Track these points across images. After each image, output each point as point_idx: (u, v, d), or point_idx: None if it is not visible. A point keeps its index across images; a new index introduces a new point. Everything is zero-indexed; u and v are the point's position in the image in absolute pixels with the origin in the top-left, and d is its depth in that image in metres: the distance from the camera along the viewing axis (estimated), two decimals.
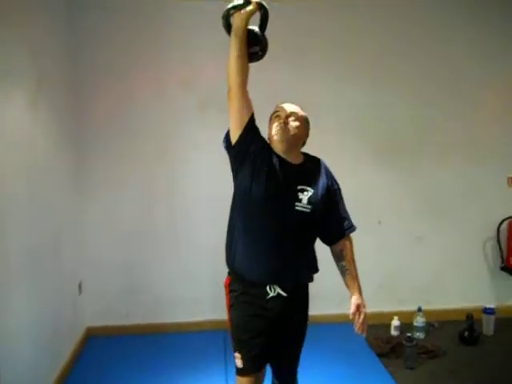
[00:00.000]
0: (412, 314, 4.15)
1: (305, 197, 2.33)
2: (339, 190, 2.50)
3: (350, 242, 2.50)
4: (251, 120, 2.29)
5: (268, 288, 2.31)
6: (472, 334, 3.96)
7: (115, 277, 4.20)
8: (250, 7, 2.22)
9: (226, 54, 3.71)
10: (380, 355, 3.76)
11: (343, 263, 2.46)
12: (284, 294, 2.32)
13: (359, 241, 4.13)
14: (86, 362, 3.77)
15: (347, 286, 2.47)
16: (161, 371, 3.63)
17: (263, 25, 2.37)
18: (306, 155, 2.48)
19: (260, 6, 2.27)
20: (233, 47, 2.26)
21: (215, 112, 3.95)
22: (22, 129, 2.97)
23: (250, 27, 2.31)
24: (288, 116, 2.36)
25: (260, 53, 2.38)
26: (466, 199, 4.41)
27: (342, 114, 4.24)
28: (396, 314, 4.20)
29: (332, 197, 2.44)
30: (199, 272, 4.25)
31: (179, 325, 4.25)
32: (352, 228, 2.49)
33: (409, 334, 3.68)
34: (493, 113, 4.40)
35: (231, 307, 2.42)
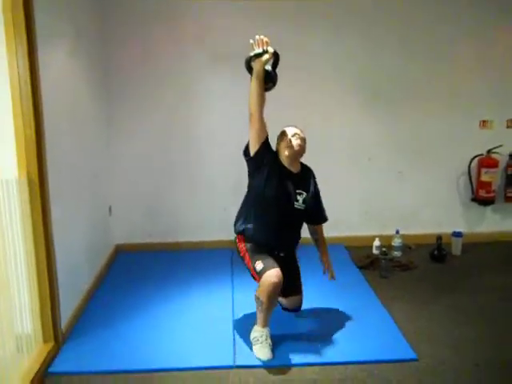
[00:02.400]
0: (392, 238, 4.79)
1: (301, 198, 3.30)
2: (319, 191, 3.50)
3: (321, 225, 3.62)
4: (266, 139, 3.16)
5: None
6: (441, 252, 4.60)
7: (139, 202, 4.83)
8: (267, 56, 3.00)
9: (233, 16, 4.46)
10: (361, 268, 4.42)
11: (316, 236, 3.60)
12: (282, 254, 3.34)
13: (352, 174, 4.92)
14: (115, 273, 4.41)
15: (319, 250, 3.60)
16: (177, 280, 4.21)
17: (275, 65, 3.14)
18: (302, 164, 3.40)
19: (274, 54, 3.04)
20: (254, 86, 3.04)
21: (224, 65, 4.59)
22: (66, 71, 3.54)
23: (266, 67, 3.07)
24: (292, 136, 3.24)
25: (272, 86, 3.16)
26: (442, 140, 4.94)
27: (337, 69, 4.75)
28: (378, 237, 4.81)
29: (316, 197, 3.45)
30: (210, 199, 4.87)
31: (193, 243, 4.88)
32: (326, 219, 3.58)
33: (384, 249, 4.36)
34: (467, 66, 4.84)
35: (247, 251, 3.28)
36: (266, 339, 3.14)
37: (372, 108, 4.86)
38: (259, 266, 3.13)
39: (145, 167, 4.79)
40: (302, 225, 3.46)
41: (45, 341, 3.13)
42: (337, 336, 3.35)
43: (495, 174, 4.91)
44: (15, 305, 2.83)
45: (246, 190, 3.37)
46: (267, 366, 3.03)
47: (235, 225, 3.42)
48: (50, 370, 2.99)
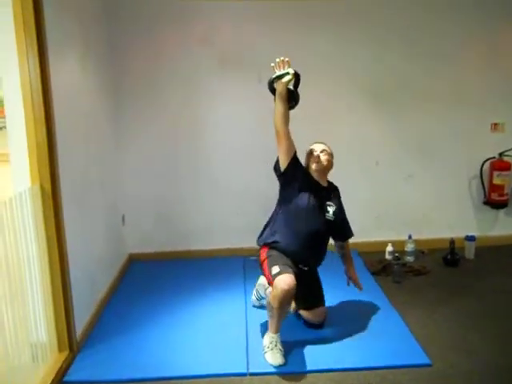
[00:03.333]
0: (405, 243, 4.78)
1: (331, 210, 3.42)
2: (344, 208, 3.61)
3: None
4: (295, 155, 3.31)
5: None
6: (454, 256, 4.59)
7: (152, 211, 4.85)
8: (289, 77, 3.16)
9: (242, 18, 4.46)
10: (373, 273, 4.41)
11: (344, 251, 3.70)
12: (305, 268, 3.40)
13: (360, 179, 4.90)
14: (129, 282, 4.43)
15: (345, 265, 3.71)
16: (190, 288, 4.20)
17: (297, 85, 3.29)
18: (328, 181, 3.55)
19: (295, 74, 3.19)
20: (278, 106, 3.20)
21: (232, 67, 4.62)
22: (75, 79, 3.57)
23: (288, 87, 3.23)
24: (321, 152, 3.41)
25: (295, 105, 3.32)
26: (453, 142, 4.90)
27: (341, 72, 4.73)
28: (391, 242, 4.79)
29: (342, 212, 3.56)
30: (221, 207, 4.88)
31: (206, 251, 4.89)
32: (352, 234, 3.67)
33: (397, 254, 4.35)
34: (477, 68, 4.81)
35: (268, 257, 3.30)
36: (277, 345, 3.16)
37: (380, 111, 4.84)
38: (275, 269, 3.14)
39: (156, 175, 4.80)
40: (328, 240, 3.54)
41: (60, 350, 3.16)
42: (350, 342, 3.35)
43: (507, 176, 4.88)
44: (30, 314, 2.87)
45: (276, 204, 3.48)
46: (280, 372, 3.04)
47: (261, 236, 3.48)
48: (66, 378, 3.02)
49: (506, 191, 4.90)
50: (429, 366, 3.05)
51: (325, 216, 3.39)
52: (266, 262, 3.29)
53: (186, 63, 4.64)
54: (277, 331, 3.19)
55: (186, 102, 4.71)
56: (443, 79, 4.82)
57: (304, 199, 3.31)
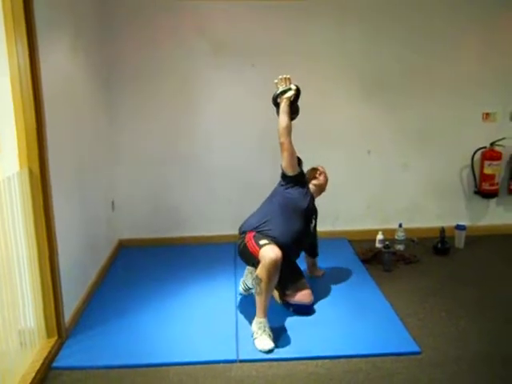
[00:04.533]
0: (395, 231, 4.77)
1: (314, 221, 3.78)
2: None
3: None
4: (299, 161, 3.58)
5: None
6: (444, 245, 4.59)
7: (142, 197, 4.80)
8: (292, 92, 3.49)
9: (236, 7, 4.35)
10: (363, 261, 4.41)
11: (314, 261, 4.11)
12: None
13: (352, 168, 4.88)
14: (118, 267, 4.41)
15: (312, 270, 4.12)
16: (180, 275, 4.20)
17: (297, 99, 3.55)
18: None
19: (297, 90, 3.50)
20: (282, 119, 3.47)
21: (226, 56, 4.57)
22: (66, 64, 3.51)
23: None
24: (320, 174, 3.82)
25: (296, 116, 3.60)
26: (445, 132, 4.89)
27: (337, 59, 4.68)
28: (381, 230, 4.78)
29: (316, 231, 3.91)
30: (213, 194, 4.86)
31: (196, 238, 4.88)
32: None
33: (387, 243, 4.35)
34: (469, 57, 4.79)
35: (254, 237, 3.40)
36: (265, 330, 3.19)
37: (372, 101, 4.80)
38: (263, 241, 3.30)
39: (147, 161, 4.76)
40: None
41: (48, 336, 3.14)
42: (340, 329, 3.36)
43: (498, 166, 4.88)
44: (18, 299, 2.84)
45: (272, 196, 3.64)
46: (270, 359, 3.04)
47: (246, 223, 3.58)
48: (54, 364, 3.01)
49: (496, 181, 4.90)
50: (419, 353, 3.07)
51: (310, 225, 3.69)
52: (251, 240, 3.37)
53: (180, 50, 4.58)
54: (265, 315, 3.21)
55: (181, 87, 4.66)
56: (437, 70, 4.78)
57: (305, 203, 3.57)
